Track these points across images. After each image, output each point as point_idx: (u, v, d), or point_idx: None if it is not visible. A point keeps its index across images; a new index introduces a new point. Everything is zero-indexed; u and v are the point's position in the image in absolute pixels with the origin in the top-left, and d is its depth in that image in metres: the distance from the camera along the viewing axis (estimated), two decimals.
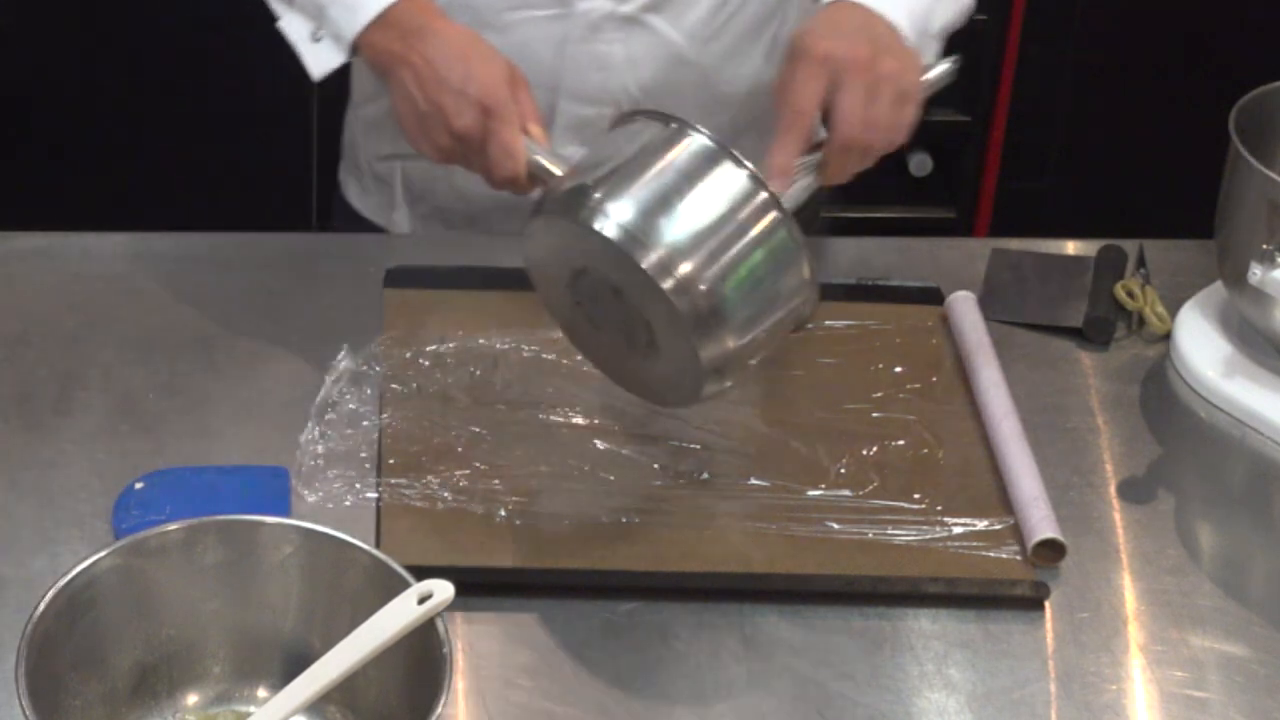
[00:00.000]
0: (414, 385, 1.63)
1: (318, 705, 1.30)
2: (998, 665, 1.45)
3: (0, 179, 2.81)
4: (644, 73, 1.78)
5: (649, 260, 1.38)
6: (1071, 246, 1.89)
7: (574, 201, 1.42)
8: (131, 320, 1.70)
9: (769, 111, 1.61)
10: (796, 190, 1.52)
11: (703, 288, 1.39)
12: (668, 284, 1.38)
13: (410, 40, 1.58)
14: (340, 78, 1.79)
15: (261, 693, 1.35)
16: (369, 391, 1.63)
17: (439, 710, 1.23)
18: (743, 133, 1.88)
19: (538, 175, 1.53)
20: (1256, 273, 1.64)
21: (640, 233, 1.39)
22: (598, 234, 1.39)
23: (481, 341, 1.69)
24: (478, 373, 1.66)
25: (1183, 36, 2.94)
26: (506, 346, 1.68)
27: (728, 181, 1.42)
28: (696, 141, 1.43)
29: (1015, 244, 1.88)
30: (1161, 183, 2.91)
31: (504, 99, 1.54)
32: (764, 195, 1.41)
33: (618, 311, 1.44)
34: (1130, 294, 1.79)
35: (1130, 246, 1.86)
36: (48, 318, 1.70)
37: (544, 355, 1.67)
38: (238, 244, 1.82)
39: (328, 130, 2.84)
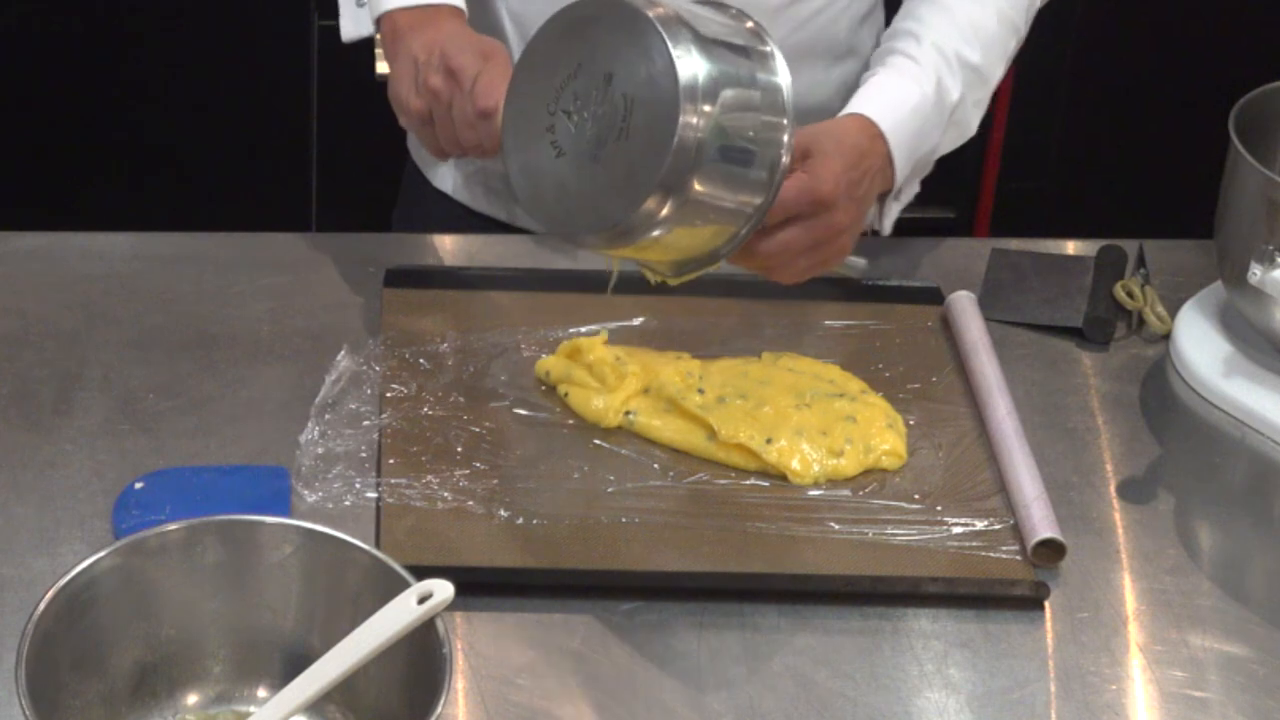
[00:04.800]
0: (414, 385, 1.63)
1: (318, 705, 1.31)
2: (998, 665, 1.45)
3: (0, 179, 2.81)
4: None
5: (678, 49, 1.42)
6: (1071, 246, 1.89)
7: None
8: (131, 320, 1.70)
9: None
10: None
11: (706, 105, 1.42)
12: (685, 75, 1.41)
13: (430, 22, 1.66)
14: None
15: (261, 693, 1.35)
16: (369, 391, 1.63)
17: (439, 710, 1.23)
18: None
19: None
20: (1256, 273, 1.64)
21: (679, 32, 1.43)
22: (631, 6, 1.44)
23: (480, 341, 1.69)
24: (476, 373, 1.66)
25: (1183, 36, 2.94)
26: (505, 346, 1.68)
27: (767, 72, 1.48)
28: (764, 41, 1.50)
29: (1015, 244, 1.88)
30: (1161, 183, 2.91)
31: (504, 56, 1.61)
32: (786, 126, 1.48)
33: (600, 104, 1.46)
34: (1130, 294, 1.79)
35: (1130, 246, 1.86)
36: (48, 318, 1.70)
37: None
38: (238, 244, 1.82)
39: (328, 130, 2.85)
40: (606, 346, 1.64)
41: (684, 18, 1.45)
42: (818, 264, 1.61)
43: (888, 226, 1.73)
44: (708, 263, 1.52)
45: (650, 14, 1.43)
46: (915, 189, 1.76)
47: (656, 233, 1.46)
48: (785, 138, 1.48)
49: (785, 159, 1.48)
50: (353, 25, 1.76)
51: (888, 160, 1.66)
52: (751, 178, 1.47)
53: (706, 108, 1.42)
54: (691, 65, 1.42)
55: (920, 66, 1.70)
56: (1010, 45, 1.76)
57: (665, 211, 1.44)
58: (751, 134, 1.46)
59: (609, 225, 1.46)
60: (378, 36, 1.74)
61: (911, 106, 1.68)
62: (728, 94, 1.44)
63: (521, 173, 1.52)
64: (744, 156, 1.47)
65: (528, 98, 1.51)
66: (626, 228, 1.46)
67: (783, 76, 1.49)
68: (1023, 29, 1.78)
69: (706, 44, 1.44)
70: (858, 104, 1.67)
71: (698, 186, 1.44)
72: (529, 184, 1.51)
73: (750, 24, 1.51)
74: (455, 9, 1.70)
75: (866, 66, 1.81)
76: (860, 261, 1.70)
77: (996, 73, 1.76)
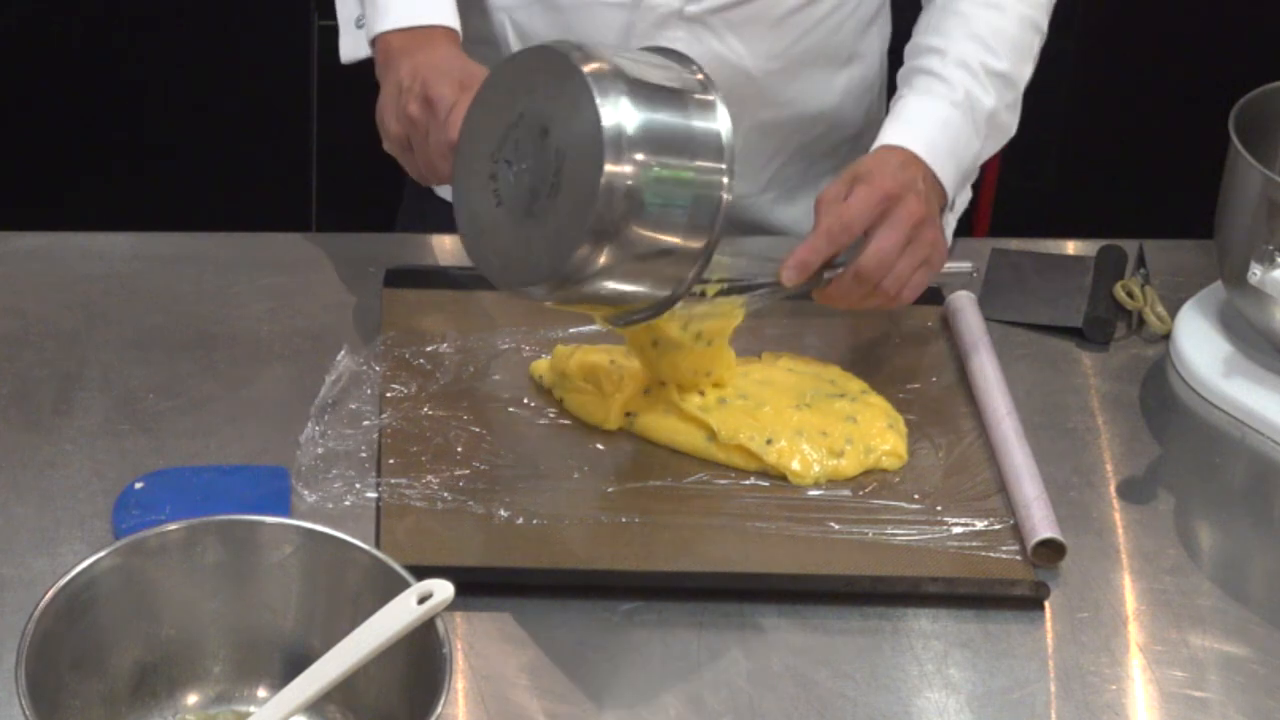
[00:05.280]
0: (414, 385, 1.64)
1: (318, 705, 1.31)
2: (998, 665, 1.45)
3: (0, 179, 2.81)
4: None
5: (605, 102, 1.41)
6: (1071, 246, 1.89)
7: (570, 41, 1.47)
8: (131, 320, 1.70)
9: (823, 154, 1.62)
10: (765, 295, 1.60)
11: (637, 155, 1.41)
12: (609, 125, 1.41)
13: (421, 45, 1.66)
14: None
15: (261, 693, 1.35)
16: (369, 391, 1.63)
17: (439, 710, 1.23)
18: (789, 162, 1.89)
19: None
20: (1256, 273, 1.64)
21: (609, 84, 1.42)
22: (566, 59, 1.43)
23: (480, 341, 1.69)
24: (476, 373, 1.66)
25: (1183, 36, 2.94)
26: (505, 347, 1.68)
27: (706, 121, 1.47)
28: (707, 91, 1.48)
29: (1015, 244, 1.88)
30: (1161, 183, 2.91)
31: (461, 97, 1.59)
32: (724, 173, 1.46)
33: (536, 157, 1.45)
34: (1130, 294, 1.79)
35: (1130, 246, 1.86)
36: (48, 318, 1.70)
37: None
38: (238, 244, 1.82)
39: (328, 130, 2.85)
40: (602, 349, 1.64)
41: (621, 70, 1.44)
42: (918, 264, 1.61)
43: (948, 237, 1.73)
44: (656, 312, 1.51)
45: (584, 68, 1.43)
46: (967, 195, 1.76)
47: (597, 285, 1.46)
48: (725, 180, 1.46)
49: (725, 199, 1.46)
50: (351, 47, 1.76)
51: (932, 175, 1.66)
52: (690, 225, 1.46)
53: (638, 157, 1.41)
54: (618, 117, 1.41)
55: (947, 83, 1.70)
56: (1035, 45, 1.77)
57: (602, 262, 1.44)
58: (686, 183, 1.45)
59: (540, 279, 1.46)
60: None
61: (941, 123, 1.68)
62: (659, 145, 1.43)
63: (467, 218, 1.52)
64: (680, 205, 1.45)
65: (477, 142, 1.51)
66: (558, 282, 1.45)
67: (722, 124, 1.47)
68: (1044, 26, 1.78)
69: (640, 96, 1.43)
70: (888, 135, 1.67)
71: (632, 237, 1.43)
72: (472, 229, 1.52)
73: (700, 75, 1.50)
74: (448, 30, 1.69)
75: (889, 79, 1.81)
76: (965, 265, 1.71)
77: (1024, 73, 1.76)
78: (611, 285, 1.47)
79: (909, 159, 1.64)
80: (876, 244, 1.59)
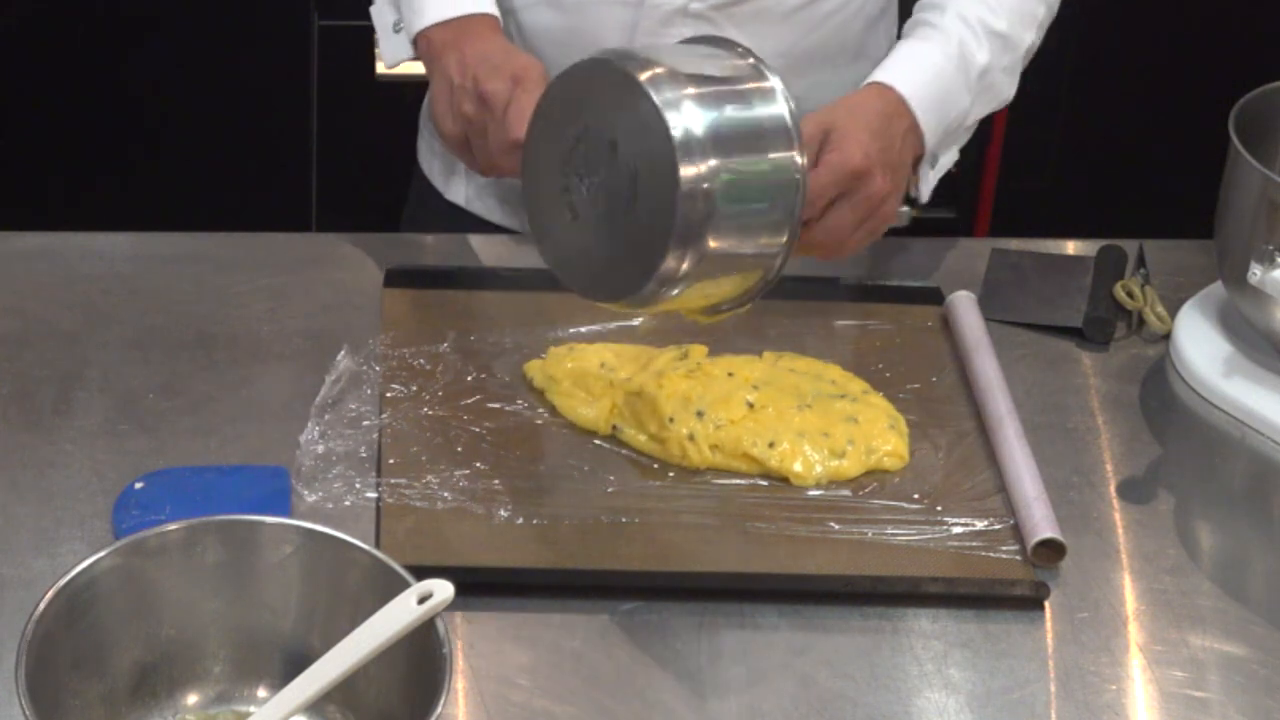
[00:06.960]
0: (414, 385, 1.64)
1: (318, 705, 1.31)
2: (998, 665, 1.45)
3: (0, 179, 2.81)
4: None
5: (669, 108, 1.41)
6: (1071, 246, 1.89)
7: (621, 50, 1.48)
8: (131, 320, 1.70)
9: None
10: None
11: (710, 160, 1.41)
12: (678, 132, 1.40)
13: (464, 36, 1.67)
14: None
15: (261, 693, 1.35)
16: (369, 391, 1.63)
17: (439, 710, 1.24)
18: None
19: None
20: (1256, 273, 1.64)
21: (669, 89, 1.42)
22: (622, 70, 1.43)
23: (480, 341, 1.69)
24: (476, 373, 1.66)
25: (1183, 36, 2.94)
26: (505, 347, 1.68)
27: (768, 106, 1.47)
28: (764, 76, 1.48)
29: (1015, 244, 1.88)
30: (1161, 183, 2.91)
31: (536, 79, 1.61)
32: (796, 155, 1.46)
33: (608, 171, 1.45)
34: (1130, 294, 1.79)
35: (1130, 246, 1.86)
36: (48, 318, 1.70)
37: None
38: (238, 244, 1.82)
39: (328, 130, 2.85)
40: (594, 350, 1.64)
41: (677, 71, 1.44)
42: (868, 235, 1.63)
43: (925, 193, 1.73)
44: (742, 302, 1.51)
45: (641, 76, 1.42)
46: (954, 156, 1.76)
47: (689, 287, 1.46)
48: (798, 161, 1.46)
49: (801, 180, 1.46)
50: (392, 51, 1.76)
51: (915, 123, 1.66)
52: (770, 217, 1.46)
53: (712, 162, 1.41)
54: (685, 122, 1.41)
55: (942, 32, 1.71)
56: (1039, 13, 1.77)
57: (685, 268, 1.43)
58: (762, 173, 1.45)
59: (630, 293, 1.46)
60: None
61: (934, 71, 1.69)
62: (729, 142, 1.43)
63: (542, 231, 1.52)
64: (759, 196, 1.45)
65: (544, 156, 1.50)
66: (644, 297, 1.45)
67: (784, 106, 1.47)
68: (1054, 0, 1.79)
69: (701, 97, 1.43)
70: (878, 73, 1.69)
71: (713, 243, 1.43)
72: (549, 243, 1.51)
73: (751, 60, 1.50)
74: (488, 17, 1.70)
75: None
76: (905, 210, 1.70)
77: (1025, 39, 1.76)
78: (703, 285, 1.47)
79: (896, 102, 1.65)
80: (833, 220, 1.60)
